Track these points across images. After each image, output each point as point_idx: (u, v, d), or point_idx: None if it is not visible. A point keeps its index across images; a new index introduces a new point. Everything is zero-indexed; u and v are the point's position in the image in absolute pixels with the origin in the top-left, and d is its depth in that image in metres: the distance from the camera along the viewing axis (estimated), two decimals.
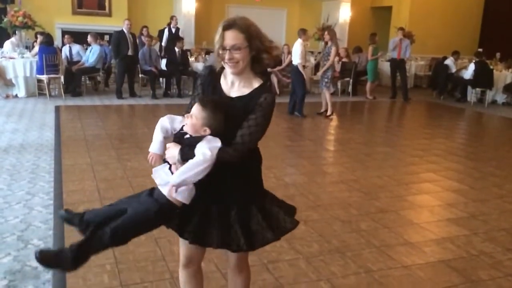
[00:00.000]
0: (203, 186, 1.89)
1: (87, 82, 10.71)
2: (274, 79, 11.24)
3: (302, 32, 8.55)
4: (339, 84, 11.66)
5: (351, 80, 11.47)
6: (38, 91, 9.56)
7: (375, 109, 10.52)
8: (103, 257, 3.07)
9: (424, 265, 3.22)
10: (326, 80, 8.80)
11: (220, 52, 1.90)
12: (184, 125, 1.92)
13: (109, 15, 13.42)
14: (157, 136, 1.97)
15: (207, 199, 1.95)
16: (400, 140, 7.43)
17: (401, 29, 11.41)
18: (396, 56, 11.28)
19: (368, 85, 11.47)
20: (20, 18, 10.47)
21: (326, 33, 8.99)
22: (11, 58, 9.57)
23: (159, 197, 1.90)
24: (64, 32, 12.07)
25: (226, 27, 1.88)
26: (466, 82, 11.34)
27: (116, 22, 12.03)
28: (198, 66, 10.86)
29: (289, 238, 3.51)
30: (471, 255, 3.39)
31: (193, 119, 1.88)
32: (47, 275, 2.87)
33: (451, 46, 13.85)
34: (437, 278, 3.05)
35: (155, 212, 1.88)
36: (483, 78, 10.89)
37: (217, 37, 1.90)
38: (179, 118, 1.99)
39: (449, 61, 12.05)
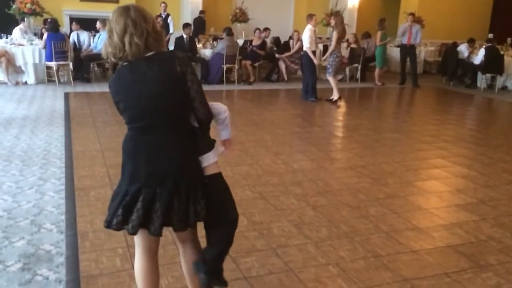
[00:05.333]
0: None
1: (96, 68, 10.74)
2: (282, 65, 11.19)
3: (310, 17, 8.51)
4: (347, 70, 11.60)
5: (359, 66, 11.39)
6: (47, 77, 9.61)
7: (384, 95, 10.46)
8: (115, 240, 3.13)
9: (432, 250, 3.23)
10: (328, 66, 8.90)
11: None
12: None
13: (117, 1, 13.38)
14: None
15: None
16: (409, 126, 7.39)
17: (412, 14, 11.27)
18: (406, 41, 11.18)
19: (377, 71, 11.37)
20: (28, 5, 10.50)
21: (332, 18, 8.93)
22: (20, 45, 9.60)
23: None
24: (72, 19, 12.09)
25: None
26: (476, 68, 11.21)
27: None
28: (206, 52, 10.84)
29: (298, 223, 3.55)
30: (480, 240, 3.40)
31: None
32: (61, 258, 2.92)
33: (461, 31, 13.66)
34: (446, 263, 3.07)
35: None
36: (494, 64, 10.75)
37: None
38: None
39: (462, 47, 11.90)
